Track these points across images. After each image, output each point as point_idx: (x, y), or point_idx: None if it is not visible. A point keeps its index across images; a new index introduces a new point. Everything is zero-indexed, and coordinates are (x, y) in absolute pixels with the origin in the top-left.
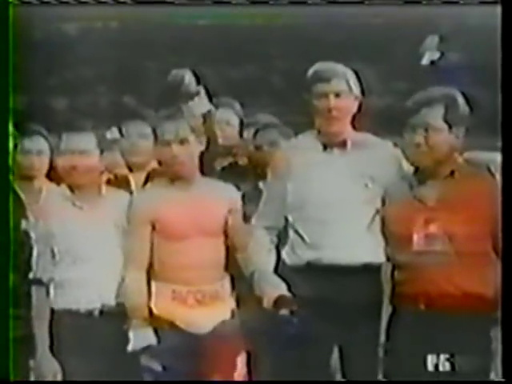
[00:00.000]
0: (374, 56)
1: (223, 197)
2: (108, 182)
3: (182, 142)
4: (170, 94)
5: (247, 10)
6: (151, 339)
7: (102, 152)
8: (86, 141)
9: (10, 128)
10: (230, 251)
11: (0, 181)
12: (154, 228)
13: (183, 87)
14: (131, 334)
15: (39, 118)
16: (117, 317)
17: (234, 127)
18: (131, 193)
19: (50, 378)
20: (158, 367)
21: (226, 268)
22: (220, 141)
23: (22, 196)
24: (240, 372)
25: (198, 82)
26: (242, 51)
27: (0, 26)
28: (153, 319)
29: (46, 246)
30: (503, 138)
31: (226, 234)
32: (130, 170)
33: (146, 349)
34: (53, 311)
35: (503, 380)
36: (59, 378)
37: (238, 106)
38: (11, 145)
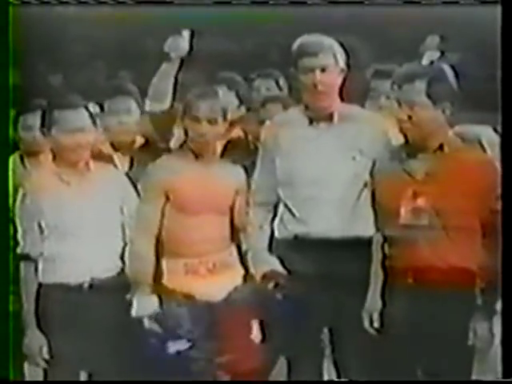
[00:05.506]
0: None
1: (233, 178)
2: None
3: (211, 122)
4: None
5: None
6: (155, 306)
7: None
8: (82, 117)
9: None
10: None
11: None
12: (167, 199)
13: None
14: (135, 301)
15: (41, 95)
16: (106, 290)
17: (232, 103)
18: (116, 167)
19: (36, 352)
20: (159, 330)
21: (232, 239)
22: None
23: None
24: (255, 336)
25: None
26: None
27: (0, 26)
28: (168, 293)
29: (34, 221)
30: (503, 137)
31: (231, 212)
32: (114, 148)
33: (151, 315)
34: (41, 285)
35: (503, 380)
36: (45, 351)
37: (238, 79)
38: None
